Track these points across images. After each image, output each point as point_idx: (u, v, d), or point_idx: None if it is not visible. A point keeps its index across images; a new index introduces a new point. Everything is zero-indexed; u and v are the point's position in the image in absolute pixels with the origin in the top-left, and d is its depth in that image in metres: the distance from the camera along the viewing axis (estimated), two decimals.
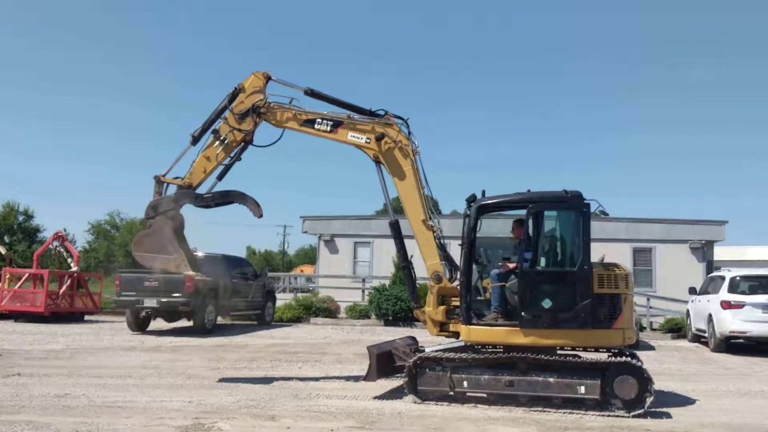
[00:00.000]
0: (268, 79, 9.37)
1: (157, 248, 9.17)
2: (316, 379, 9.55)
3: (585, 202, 7.88)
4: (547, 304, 7.69)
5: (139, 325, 16.54)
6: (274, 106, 9.23)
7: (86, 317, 20.58)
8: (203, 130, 9.38)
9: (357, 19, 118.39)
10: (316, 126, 9.07)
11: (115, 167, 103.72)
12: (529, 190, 8.24)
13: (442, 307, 8.31)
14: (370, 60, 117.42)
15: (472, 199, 8.32)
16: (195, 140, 9.41)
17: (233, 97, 9.27)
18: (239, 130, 9.17)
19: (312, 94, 9.17)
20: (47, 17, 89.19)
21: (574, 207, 7.90)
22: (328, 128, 9.03)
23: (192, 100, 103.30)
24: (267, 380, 9.23)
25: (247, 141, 9.39)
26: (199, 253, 19.10)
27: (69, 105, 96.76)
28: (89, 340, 14.36)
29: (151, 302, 15.85)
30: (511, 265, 8.16)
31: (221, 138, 9.22)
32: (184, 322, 17.49)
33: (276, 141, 9.35)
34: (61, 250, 21.51)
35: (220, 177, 9.47)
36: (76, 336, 15.02)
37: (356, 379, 9.40)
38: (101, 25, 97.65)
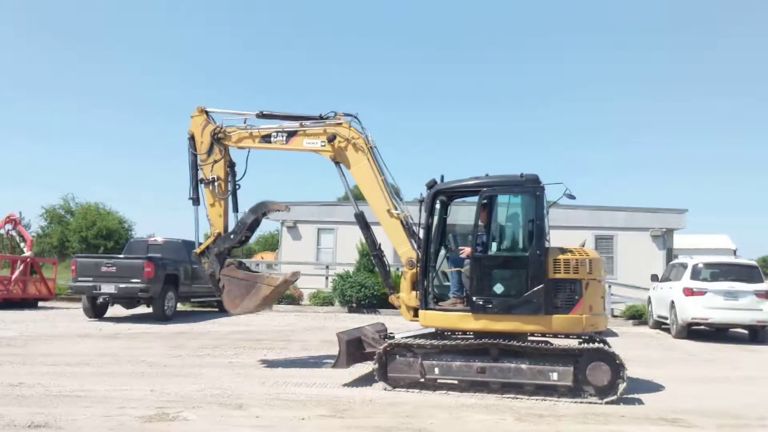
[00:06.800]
0: (205, 111, 9.71)
1: (244, 293, 9.39)
2: (283, 366, 9.32)
3: (540, 185, 7.76)
4: (498, 289, 7.61)
5: (96, 311, 16.08)
6: (228, 129, 9.55)
7: (40, 304, 19.93)
8: (195, 189, 9.72)
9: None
10: (272, 140, 9.39)
11: (71, 146, 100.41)
12: (487, 174, 8.11)
13: (415, 293, 8.15)
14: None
15: (431, 185, 8.21)
16: (195, 201, 9.74)
17: (193, 145, 9.63)
18: (216, 162, 9.55)
19: (264, 115, 9.46)
20: None
21: (528, 190, 7.78)
22: (284, 140, 9.32)
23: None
24: (232, 367, 8.98)
25: (231, 166, 9.77)
26: (159, 239, 18.72)
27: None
28: (44, 327, 13.86)
29: (108, 288, 15.38)
30: (469, 250, 8.02)
31: (209, 180, 9.58)
32: (142, 309, 17.06)
33: (245, 172, 9.75)
34: (14, 234, 20.80)
35: (235, 209, 9.90)
36: (30, 323, 14.50)
37: (324, 365, 9.21)
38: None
